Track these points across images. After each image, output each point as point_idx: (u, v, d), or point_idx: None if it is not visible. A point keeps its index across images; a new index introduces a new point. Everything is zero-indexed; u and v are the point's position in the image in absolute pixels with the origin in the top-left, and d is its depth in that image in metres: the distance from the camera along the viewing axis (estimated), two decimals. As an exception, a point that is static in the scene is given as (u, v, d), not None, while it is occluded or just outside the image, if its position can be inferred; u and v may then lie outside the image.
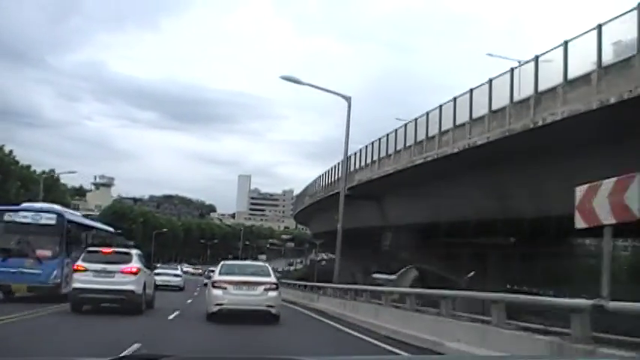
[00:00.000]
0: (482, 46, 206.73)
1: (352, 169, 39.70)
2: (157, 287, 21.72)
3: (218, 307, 15.00)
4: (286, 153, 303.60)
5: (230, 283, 15.23)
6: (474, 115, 22.25)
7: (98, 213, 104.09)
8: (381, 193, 33.53)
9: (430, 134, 26.04)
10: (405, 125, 29.42)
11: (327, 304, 22.21)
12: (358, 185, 35.37)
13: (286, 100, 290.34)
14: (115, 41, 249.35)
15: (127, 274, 16.28)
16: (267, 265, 17.93)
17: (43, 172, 47.56)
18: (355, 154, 38.05)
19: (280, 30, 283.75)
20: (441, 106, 25.43)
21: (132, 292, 16.12)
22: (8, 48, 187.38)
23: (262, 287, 15.28)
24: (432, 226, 30.03)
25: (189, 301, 23.77)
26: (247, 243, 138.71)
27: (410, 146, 28.27)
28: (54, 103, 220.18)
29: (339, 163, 42.20)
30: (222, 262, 17.79)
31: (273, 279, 15.84)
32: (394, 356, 8.96)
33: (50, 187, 53.83)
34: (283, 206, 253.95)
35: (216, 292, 15.22)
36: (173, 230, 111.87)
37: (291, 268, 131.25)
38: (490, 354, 7.96)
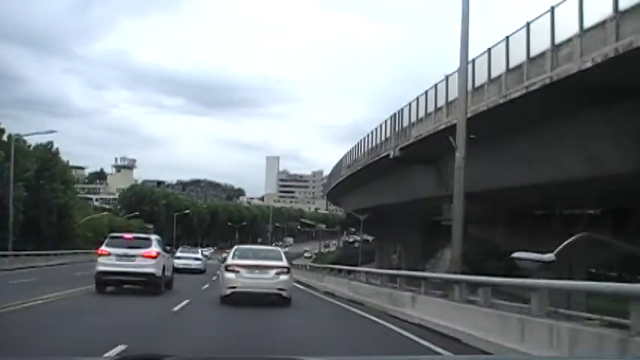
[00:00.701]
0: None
1: (405, 124, 31.06)
2: (178, 270, 24.74)
3: (231, 290, 15.23)
4: (313, 136, 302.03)
5: (243, 266, 15.52)
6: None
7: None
8: (442, 152, 24.61)
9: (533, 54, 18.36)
10: (489, 50, 20.40)
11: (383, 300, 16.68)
12: (414, 144, 29.19)
13: (313, 81, 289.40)
14: (140, 28, 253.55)
15: (147, 258, 17.49)
16: (279, 249, 19.12)
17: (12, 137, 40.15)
18: (411, 104, 29.31)
19: (306, 9, 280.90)
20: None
21: (152, 274, 17.43)
22: (36, 39, 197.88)
23: (274, 271, 15.52)
24: (508, 193, 25.01)
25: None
26: (277, 225, 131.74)
27: (499, 76, 19.51)
28: (82, 92, 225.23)
29: (393, 116, 33.83)
30: (235, 247, 18.47)
31: (284, 263, 16.07)
32: (402, 356, 8.30)
33: (49, 162, 46.08)
34: (313, 187, 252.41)
35: (229, 275, 15.47)
36: (198, 213, 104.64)
37: (327, 250, 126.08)
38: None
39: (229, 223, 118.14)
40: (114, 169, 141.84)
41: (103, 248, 17.93)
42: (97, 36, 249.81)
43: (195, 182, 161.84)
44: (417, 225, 45.09)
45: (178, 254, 35.39)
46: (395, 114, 32.97)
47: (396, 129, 32.47)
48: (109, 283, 17.66)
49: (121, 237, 18.79)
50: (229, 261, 16.07)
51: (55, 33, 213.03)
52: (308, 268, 36.47)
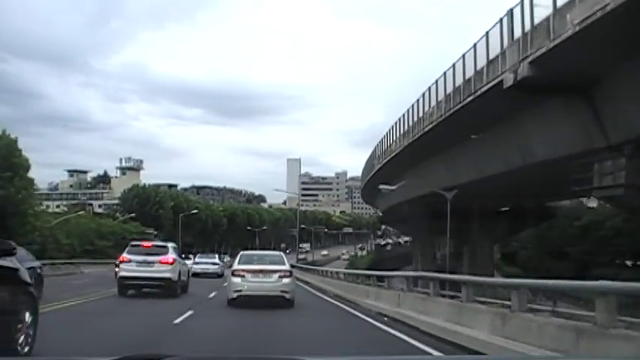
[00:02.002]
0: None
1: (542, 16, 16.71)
2: (197, 274, 32.51)
3: (237, 294, 16.48)
4: (333, 142, 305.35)
5: (248, 271, 16.75)
6: None
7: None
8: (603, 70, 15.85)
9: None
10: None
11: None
12: (562, 46, 16.81)
13: (331, 87, 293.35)
14: (157, 40, 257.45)
15: (164, 264, 19.44)
16: (281, 254, 20.40)
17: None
18: None
19: (321, 16, 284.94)
20: None
21: (169, 279, 19.33)
22: (55, 55, 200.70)
23: (277, 275, 16.76)
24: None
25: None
26: (303, 227, 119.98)
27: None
28: (101, 105, 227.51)
29: (509, 13, 19.87)
30: (241, 253, 19.38)
31: (286, 267, 17.43)
32: (400, 357, 8.70)
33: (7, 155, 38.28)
34: (337, 190, 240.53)
35: (236, 279, 16.74)
36: (213, 216, 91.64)
37: (362, 253, 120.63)
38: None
39: (249, 228, 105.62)
40: (118, 172, 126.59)
41: (124, 255, 20.01)
42: (114, 49, 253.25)
43: (210, 187, 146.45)
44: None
45: (197, 260, 39.48)
46: (510, 11, 19.16)
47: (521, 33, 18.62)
48: (130, 287, 19.37)
49: (140, 245, 20.97)
50: (235, 266, 17.37)
51: (72, 48, 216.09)
52: (342, 277, 26.70)
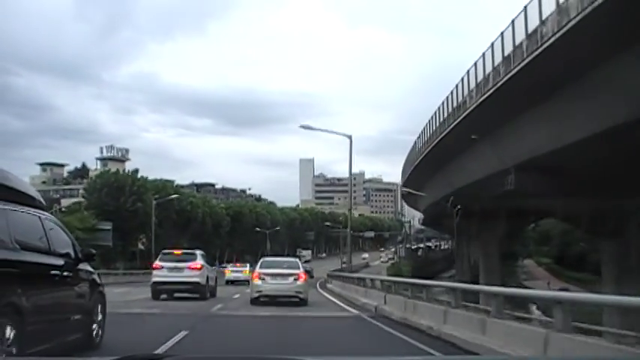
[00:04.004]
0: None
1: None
2: (230, 281, 40.22)
3: (258, 294, 19.53)
4: (345, 149, 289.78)
5: (267, 274, 19.76)
6: None
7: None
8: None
9: None
10: None
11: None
12: None
13: (340, 95, 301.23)
14: (166, 51, 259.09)
15: (193, 270, 21.56)
16: (297, 260, 24.45)
17: None
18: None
19: (330, 24, 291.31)
20: None
21: (197, 283, 21.45)
22: (64, 67, 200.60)
23: (292, 277, 19.75)
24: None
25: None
26: (328, 224, 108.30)
27: None
28: (111, 117, 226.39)
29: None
30: (262, 259, 23.14)
31: (301, 271, 20.40)
32: (400, 357, 9.06)
33: None
34: (354, 191, 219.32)
35: (257, 282, 19.80)
36: (212, 215, 72.08)
37: (389, 259, 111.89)
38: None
39: (258, 229, 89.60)
40: (98, 163, 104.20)
41: (157, 263, 22.39)
42: (123, 60, 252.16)
43: (212, 184, 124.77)
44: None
45: (231, 268, 46.83)
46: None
47: None
48: (162, 292, 21.39)
49: (171, 253, 23.19)
50: (257, 270, 20.43)
51: (82, 59, 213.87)
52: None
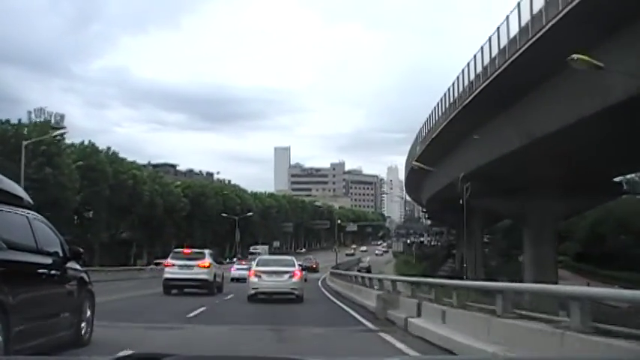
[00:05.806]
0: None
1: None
2: (235, 279, 37.63)
3: (255, 291, 20.56)
4: (318, 147, 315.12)
5: (264, 272, 20.67)
6: None
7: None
8: None
9: None
10: None
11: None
12: None
13: (315, 92, 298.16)
14: (138, 45, 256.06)
15: (201, 267, 23.82)
16: (292, 258, 24.37)
17: None
18: None
19: (306, 20, 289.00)
20: None
21: (205, 280, 23.67)
22: (34, 59, 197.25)
23: (287, 275, 20.66)
24: None
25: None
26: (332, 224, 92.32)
27: None
28: (83, 111, 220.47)
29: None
30: (258, 257, 26.22)
31: (296, 269, 21.33)
32: (398, 357, 8.91)
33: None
34: (334, 183, 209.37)
35: (254, 279, 20.79)
36: (165, 195, 57.02)
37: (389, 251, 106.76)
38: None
39: (224, 215, 76.28)
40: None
41: (168, 261, 24.75)
42: (95, 54, 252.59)
43: (172, 165, 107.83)
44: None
45: (236, 266, 44.05)
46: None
47: None
48: (173, 287, 23.65)
49: (181, 252, 26.05)
50: (254, 268, 21.43)
51: (52, 52, 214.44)
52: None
